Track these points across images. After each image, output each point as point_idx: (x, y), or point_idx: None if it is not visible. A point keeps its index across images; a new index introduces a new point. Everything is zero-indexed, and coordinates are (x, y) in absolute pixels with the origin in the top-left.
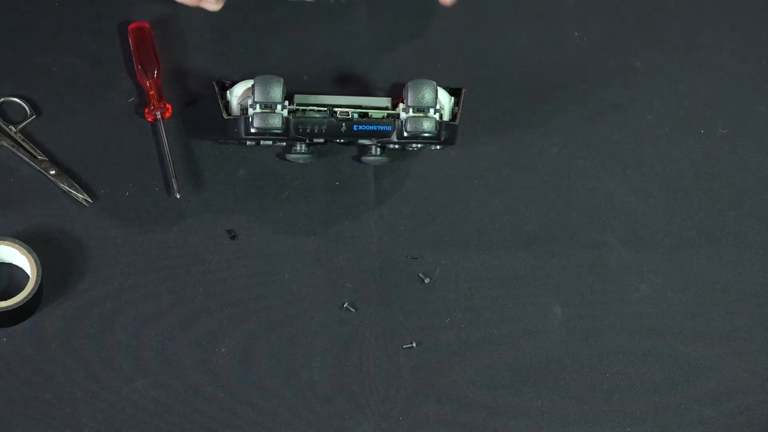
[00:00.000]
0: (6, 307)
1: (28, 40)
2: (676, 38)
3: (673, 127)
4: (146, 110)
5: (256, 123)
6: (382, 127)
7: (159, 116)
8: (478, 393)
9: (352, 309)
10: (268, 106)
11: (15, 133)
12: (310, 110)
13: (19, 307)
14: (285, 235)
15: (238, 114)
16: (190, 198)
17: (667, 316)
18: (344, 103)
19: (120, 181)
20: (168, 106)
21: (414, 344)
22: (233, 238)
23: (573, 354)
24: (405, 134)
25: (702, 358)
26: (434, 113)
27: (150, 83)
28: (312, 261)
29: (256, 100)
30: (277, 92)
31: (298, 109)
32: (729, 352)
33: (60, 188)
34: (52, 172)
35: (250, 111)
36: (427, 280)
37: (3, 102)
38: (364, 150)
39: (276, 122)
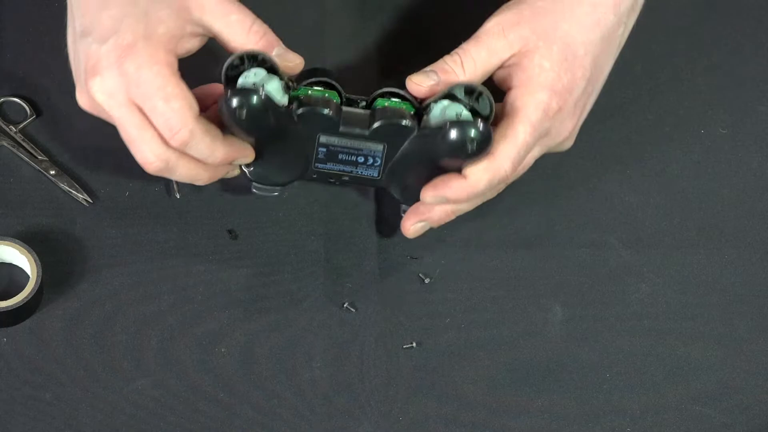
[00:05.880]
0: (6, 307)
1: (28, 40)
2: (677, 38)
3: (673, 127)
4: None
5: None
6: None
7: None
8: (478, 393)
9: (352, 309)
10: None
11: (15, 133)
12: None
13: (19, 307)
14: (285, 235)
15: None
16: (190, 198)
17: (667, 316)
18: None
19: (120, 181)
20: None
21: (414, 344)
22: (233, 238)
23: (573, 354)
24: None
25: (702, 358)
26: None
27: None
28: (312, 261)
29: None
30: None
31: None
32: (729, 352)
33: (60, 188)
34: (52, 172)
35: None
36: (427, 280)
37: (3, 102)
38: None
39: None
